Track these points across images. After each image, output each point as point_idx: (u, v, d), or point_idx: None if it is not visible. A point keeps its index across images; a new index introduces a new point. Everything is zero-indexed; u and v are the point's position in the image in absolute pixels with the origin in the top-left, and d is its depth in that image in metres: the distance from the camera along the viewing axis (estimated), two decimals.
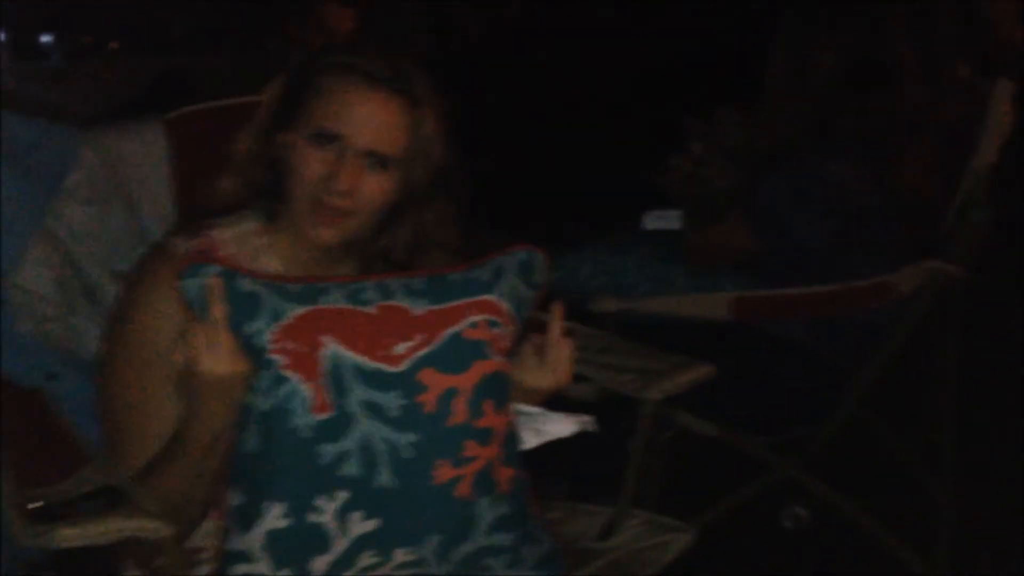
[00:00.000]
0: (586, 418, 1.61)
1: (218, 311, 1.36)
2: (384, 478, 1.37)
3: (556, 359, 1.55)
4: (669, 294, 2.58)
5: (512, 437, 1.49)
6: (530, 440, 1.58)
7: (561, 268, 2.63)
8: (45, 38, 5.53)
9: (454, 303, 1.44)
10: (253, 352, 1.37)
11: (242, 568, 1.37)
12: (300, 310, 1.39)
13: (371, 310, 1.41)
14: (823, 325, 2.51)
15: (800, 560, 2.71)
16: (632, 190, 2.88)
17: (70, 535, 1.37)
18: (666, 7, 4.45)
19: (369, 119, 1.50)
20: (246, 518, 1.37)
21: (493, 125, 1.63)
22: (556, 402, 1.64)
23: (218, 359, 1.35)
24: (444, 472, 1.40)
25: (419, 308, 1.43)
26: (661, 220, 2.75)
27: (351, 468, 1.36)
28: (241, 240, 1.59)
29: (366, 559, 1.40)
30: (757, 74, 2.71)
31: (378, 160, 1.52)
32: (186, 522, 1.47)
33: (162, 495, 1.44)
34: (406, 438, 1.38)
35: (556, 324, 1.55)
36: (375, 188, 1.52)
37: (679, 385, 1.85)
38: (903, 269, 2.37)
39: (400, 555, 1.41)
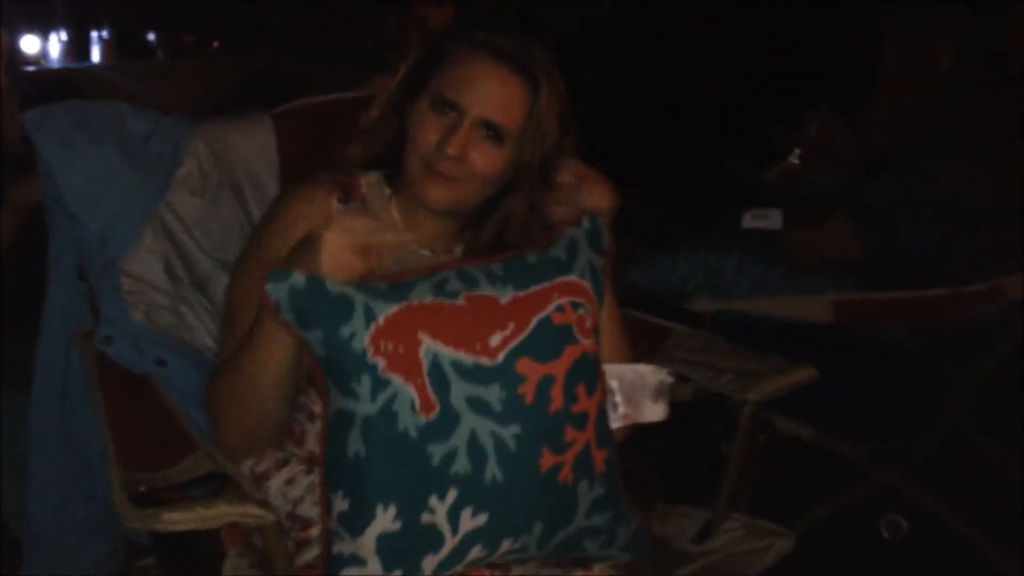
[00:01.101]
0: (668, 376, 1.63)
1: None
2: (492, 472, 1.37)
3: (589, 190, 1.59)
4: (768, 295, 2.55)
5: (603, 417, 1.50)
6: (616, 422, 1.58)
7: (659, 268, 2.62)
8: (150, 37, 5.67)
9: (538, 287, 1.45)
10: (352, 357, 1.36)
11: (353, 571, 1.36)
12: (392, 308, 1.38)
13: (460, 302, 1.41)
14: (927, 330, 2.45)
15: (898, 570, 2.64)
16: (731, 189, 2.85)
17: (176, 519, 1.39)
18: (766, 3, 4.38)
19: (488, 90, 1.53)
20: (355, 523, 1.36)
21: (586, 125, 1.62)
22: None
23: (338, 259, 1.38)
24: (547, 459, 1.40)
25: (505, 296, 1.43)
26: (760, 220, 2.71)
27: (460, 465, 1.36)
28: (375, 186, 1.63)
29: (475, 553, 1.40)
30: (860, 73, 2.66)
31: (493, 132, 1.54)
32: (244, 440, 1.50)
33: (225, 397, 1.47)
34: (511, 430, 1.38)
35: (570, 170, 1.59)
36: (487, 159, 1.54)
37: (779, 387, 1.83)
38: (1015, 274, 2.30)
39: (506, 544, 1.42)
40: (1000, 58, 2.46)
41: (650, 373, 1.64)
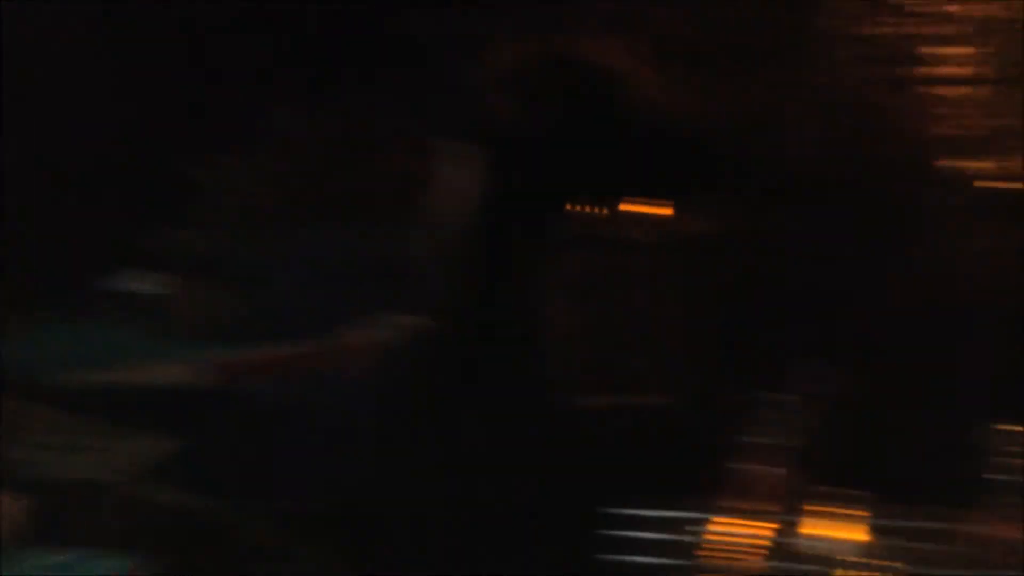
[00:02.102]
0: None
1: None
2: None
3: None
4: (149, 361, 2.48)
5: None
6: None
7: (18, 341, 2.45)
8: None
9: None
10: None
11: None
12: None
13: None
14: (308, 383, 2.53)
15: None
16: (106, 250, 2.74)
17: None
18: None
19: None
20: None
21: None
22: None
23: None
24: None
25: None
26: (137, 282, 2.64)
27: None
28: None
29: None
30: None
31: None
32: None
33: None
34: None
35: None
36: None
37: (135, 459, 1.79)
38: (360, 323, 2.46)
39: None
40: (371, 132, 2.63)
41: None
